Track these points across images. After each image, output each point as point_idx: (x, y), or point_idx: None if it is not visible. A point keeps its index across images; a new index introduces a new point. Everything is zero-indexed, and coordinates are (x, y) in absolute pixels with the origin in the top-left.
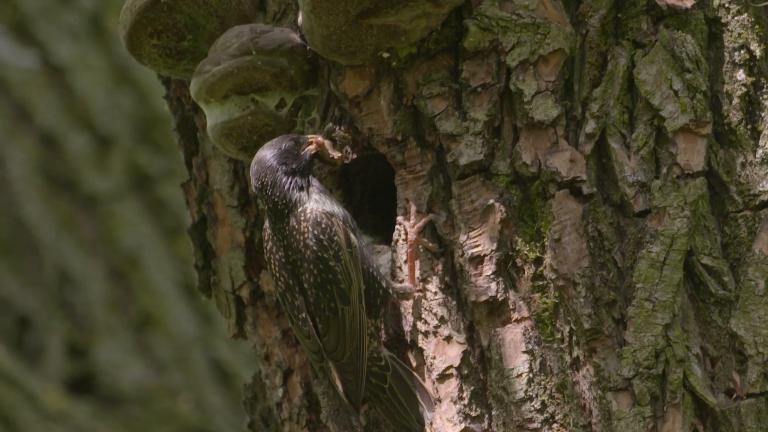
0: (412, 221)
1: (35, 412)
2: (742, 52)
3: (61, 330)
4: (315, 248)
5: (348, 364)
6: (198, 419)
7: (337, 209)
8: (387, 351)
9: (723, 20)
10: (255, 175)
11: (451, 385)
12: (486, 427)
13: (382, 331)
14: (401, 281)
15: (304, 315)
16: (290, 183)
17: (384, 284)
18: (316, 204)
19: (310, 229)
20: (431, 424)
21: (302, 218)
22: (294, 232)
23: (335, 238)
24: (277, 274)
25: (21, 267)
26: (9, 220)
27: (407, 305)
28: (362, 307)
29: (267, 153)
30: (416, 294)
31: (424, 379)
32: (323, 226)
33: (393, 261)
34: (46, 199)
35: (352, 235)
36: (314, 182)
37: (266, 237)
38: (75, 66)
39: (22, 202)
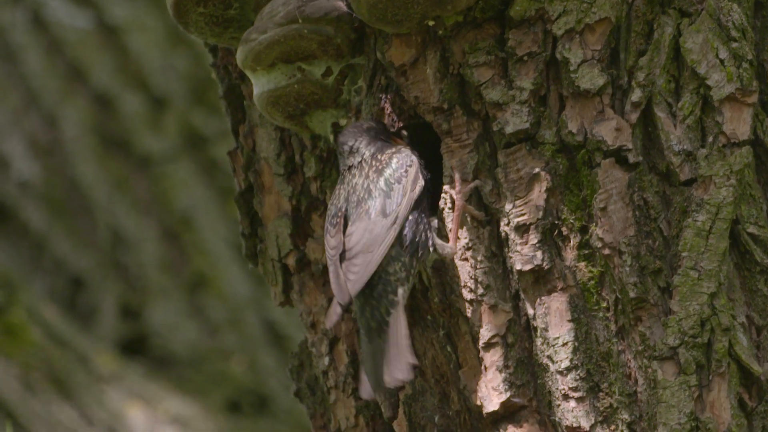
0: (458, 188)
1: (88, 373)
2: None
3: (115, 291)
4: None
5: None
6: (251, 381)
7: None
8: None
9: None
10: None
11: (497, 354)
12: (531, 395)
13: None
14: None
15: (337, 219)
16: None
17: (429, 234)
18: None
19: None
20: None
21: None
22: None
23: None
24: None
25: (75, 228)
26: (63, 180)
27: (452, 274)
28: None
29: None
30: (459, 262)
31: (469, 348)
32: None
33: (438, 229)
34: (100, 160)
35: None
36: None
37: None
38: (130, 26)
39: (76, 163)
